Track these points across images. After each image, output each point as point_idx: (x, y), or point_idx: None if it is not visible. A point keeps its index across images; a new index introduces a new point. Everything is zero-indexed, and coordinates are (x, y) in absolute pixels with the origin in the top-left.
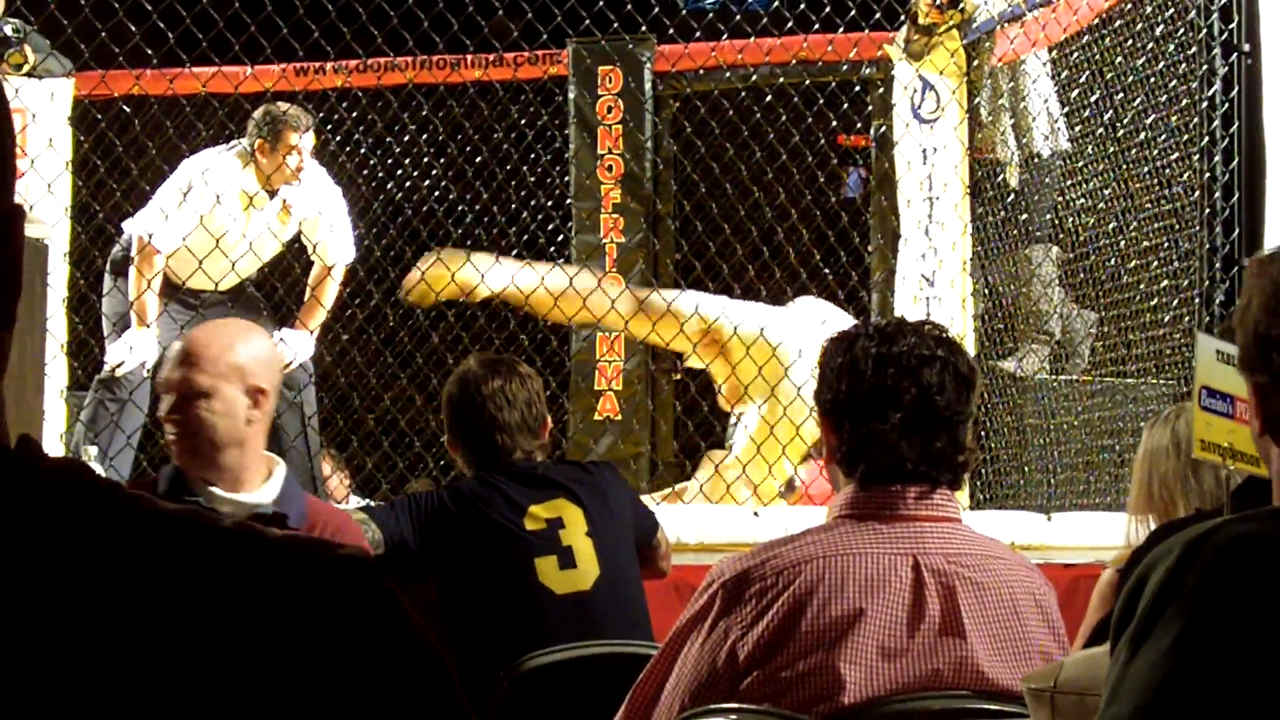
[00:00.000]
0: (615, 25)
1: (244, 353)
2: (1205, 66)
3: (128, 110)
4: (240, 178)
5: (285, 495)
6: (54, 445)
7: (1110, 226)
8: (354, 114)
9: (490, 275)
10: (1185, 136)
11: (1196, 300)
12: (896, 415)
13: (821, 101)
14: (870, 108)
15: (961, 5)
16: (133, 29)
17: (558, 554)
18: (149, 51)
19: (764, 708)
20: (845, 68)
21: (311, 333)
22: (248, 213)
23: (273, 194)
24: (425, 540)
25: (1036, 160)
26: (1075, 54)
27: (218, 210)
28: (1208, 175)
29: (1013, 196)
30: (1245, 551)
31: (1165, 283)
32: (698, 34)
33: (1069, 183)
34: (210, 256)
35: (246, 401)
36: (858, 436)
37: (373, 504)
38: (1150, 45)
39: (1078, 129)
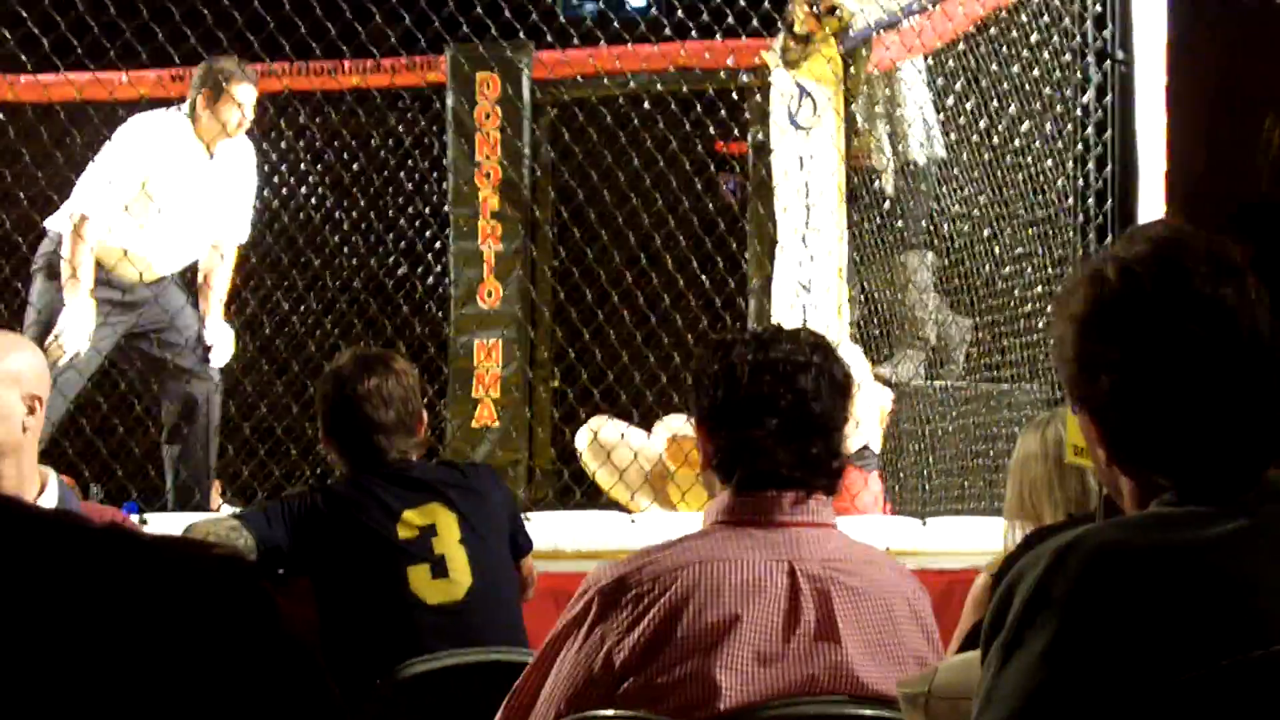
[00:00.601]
0: (493, 32)
1: (18, 360)
2: (1080, 74)
3: (1, 118)
4: (180, 134)
5: (62, 505)
6: None
7: (985, 233)
8: None
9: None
10: (1059, 144)
11: None
12: (773, 421)
13: (699, 108)
14: (747, 115)
15: (838, 13)
16: (6, 35)
17: (430, 563)
18: (22, 57)
19: (640, 714)
20: (722, 75)
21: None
22: (190, 173)
23: (211, 155)
24: (298, 544)
25: (912, 167)
26: (951, 61)
27: (158, 171)
28: (1081, 182)
29: (888, 203)
30: (1111, 559)
31: (1040, 289)
32: (576, 41)
33: (945, 189)
34: (153, 232)
35: (23, 409)
36: (734, 443)
37: (247, 511)
38: (1025, 53)
39: (953, 136)
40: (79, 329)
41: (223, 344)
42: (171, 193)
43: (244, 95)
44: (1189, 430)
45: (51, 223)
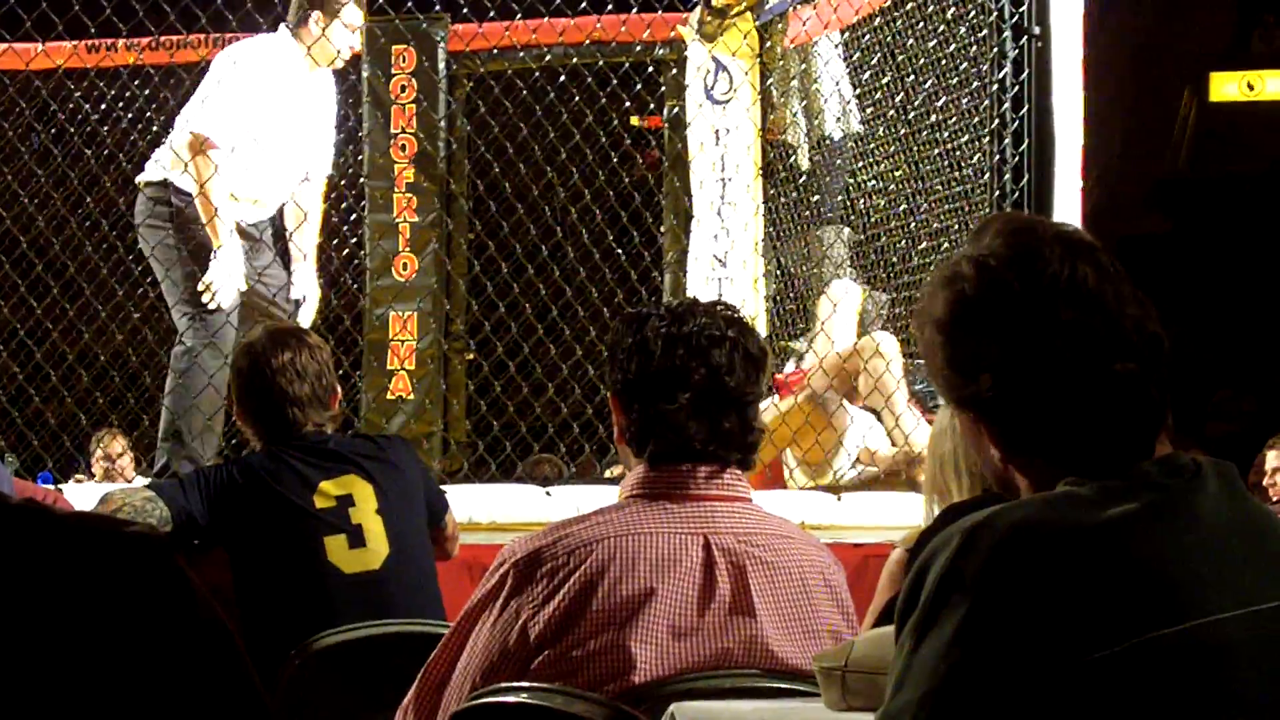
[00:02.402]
0: (409, 4)
1: None
2: (996, 49)
3: None
4: (291, 61)
5: None
6: None
7: (901, 208)
8: (146, 91)
9: None
10: (976, 119)
11: None
12: (685, 396)
13: (615, 82)
14: (664, 88)
15: None
16: None
17: (347, 532)
18: None
19: (555, 686)
20: (639, 48)
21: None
22: (294, 102)
23: (311, 82)
24: (214, 516)
25: (828, 142)
26: (867, 36)
27: (270, 101)
28: (997, 158)
29: (804, 178)
30: (1023, 538)
31: None
32: (492, 13)
33: (860, 165)
34: (257, 166)
35: None
36: (646, 416)
37: (161, 481)
38: (941, 28)
39: (869, 111)
40: (232, 273)
41: (312, 297)
42: (277, 124)
43: (356, 21)
44: (1079, 413)
45: (148, 175)
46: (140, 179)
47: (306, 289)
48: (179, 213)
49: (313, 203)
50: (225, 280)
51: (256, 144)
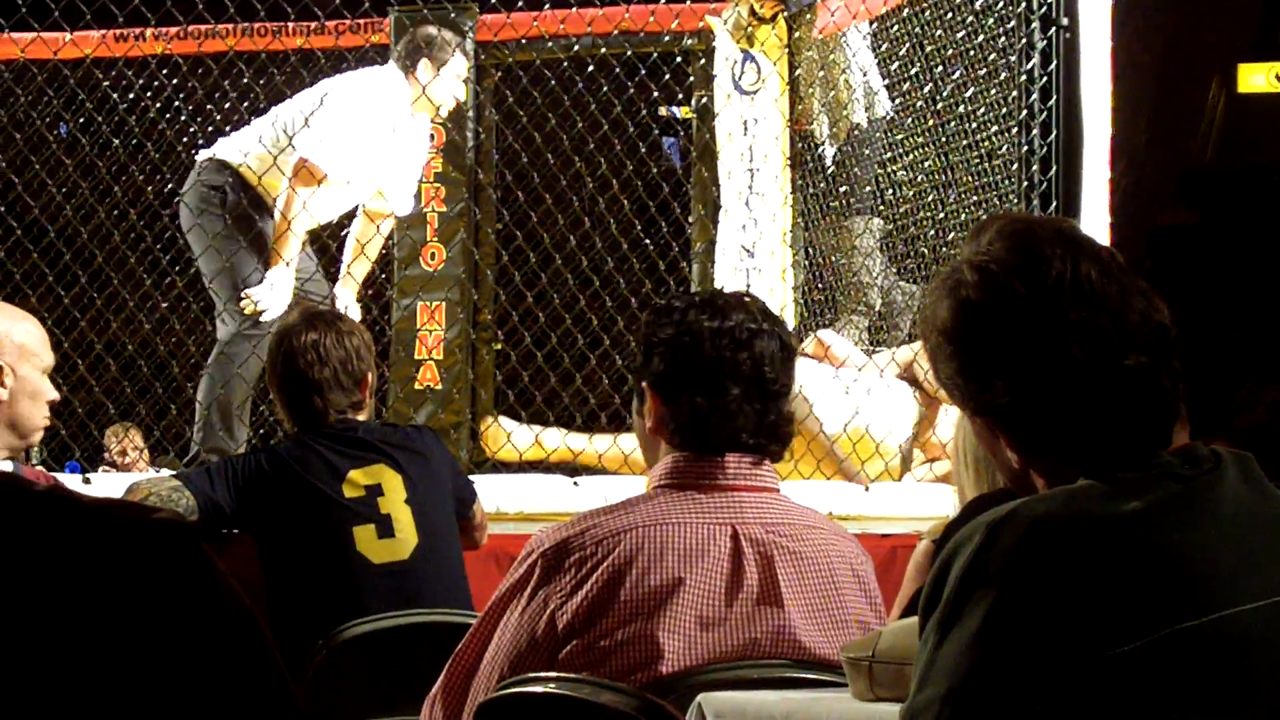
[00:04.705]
0: None
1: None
2: (1024, 40)
3: None
4: (403, 103)
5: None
6: None
7: (930, 199)
8: (174, 81)
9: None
10: (1004, 110)
11: None
12: (735, 388)
13: (643, 72)
14: (692, 79)
15: None
16: None
17: (376, 522)
18: None
19: (583, 676)
20: (667, 38)
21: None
22: (397, 136)
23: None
24: (242, 505)
25: (857, 132)
26: (895, 27)
27: (373, 133)
28: (1026, 149)
29: (833, 168)
30: (1045, 532)
31: None
32: (520, 3)
33: (889, 155)
34: (337, 191)
35: None
36: (696, 408)
37: (189, 471)
38: (970, 19)
39: (898, 102)
40: (281, 290)
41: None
42: (373, 162)
43: (462, 70)
44: (1095, 411)
45: (219, 151)
46: (206, 154)
47: (346, 299)
48: (238, 201)
49: (381, 238)
50: (274, 300)
51: (349, 184)
